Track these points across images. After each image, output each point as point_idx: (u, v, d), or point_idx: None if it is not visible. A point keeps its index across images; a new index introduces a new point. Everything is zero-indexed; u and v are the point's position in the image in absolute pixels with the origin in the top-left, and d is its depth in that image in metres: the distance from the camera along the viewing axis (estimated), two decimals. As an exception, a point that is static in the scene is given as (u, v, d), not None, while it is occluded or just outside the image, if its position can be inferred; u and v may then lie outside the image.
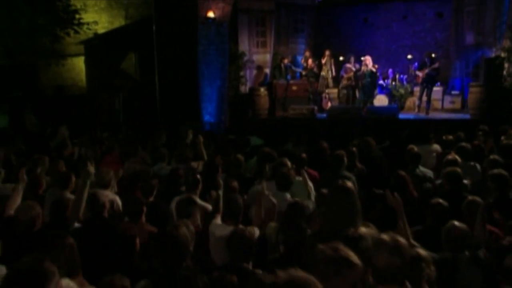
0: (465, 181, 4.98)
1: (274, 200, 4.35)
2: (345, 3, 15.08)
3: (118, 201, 4.69)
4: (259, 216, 4.24)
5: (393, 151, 7.03)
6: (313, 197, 4.78)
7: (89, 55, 16.69)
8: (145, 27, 13.55)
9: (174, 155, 6.71)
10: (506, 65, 11.07)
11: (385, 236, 2.49)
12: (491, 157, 5.50)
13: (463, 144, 6.11)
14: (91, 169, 4.36)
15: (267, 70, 13.97)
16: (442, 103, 12.98)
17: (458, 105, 12.76)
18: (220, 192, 4.80)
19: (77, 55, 17.11)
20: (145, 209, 4.21)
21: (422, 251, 2.88)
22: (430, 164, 6.16)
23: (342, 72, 13.10)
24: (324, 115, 12.40)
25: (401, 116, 11.79)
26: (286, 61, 13.55)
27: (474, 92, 11.15)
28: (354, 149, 6.31)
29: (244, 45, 13.51)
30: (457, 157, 5.51)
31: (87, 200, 4.13)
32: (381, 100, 12.95)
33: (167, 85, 12.74)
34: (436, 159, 6.14)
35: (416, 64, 13.09)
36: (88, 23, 15.65)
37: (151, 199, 4.82)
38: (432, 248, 3.24)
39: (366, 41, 14.99)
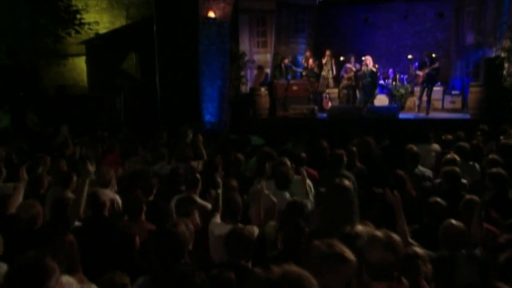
0: (464, 181, 5.01)
1: (274, 199, 4.37)
2: (346, 3, 15.04)
3: (118, 200, 4.72)
4: (258, 215, 4.26)
5: (393, 151, 7.04)
6: (311, 196, 4.80)
7: (90, 55, 16.74)
8: (146, 27, 13.58)
9: (174, 154, 6.74)
10: (506, 65, 11.09)
11: (379, 233, 2.50)
12: (490, 156, 5.51)
13: (462, 143, 6.13)
14: (91, 168, 4.40)
15: (268, 70, 13.98)
16: (442, 103, 13.00)
17: (458, 105, 12.78)
18: (220, 191, 4.81)
19: (79, 55, 17.17)
20: (144, 207, 4.23)
21: (418, 249, 2.91)
22: (429, 164, 6.17)
23: (342, 72, 13.10)
24: (325, 115, 12.39)
25: (401, 116, 11.79)
26: (286, 61, 13.53)
27: (474, 92, 11.16)
28: (354, 148, 6.32)
29: (244, 45, 13.52)
30: (456, 156, 5.54)
31: (87, 198, 4.18)
32: (381, 100, 12.96)
33: (168, 85, 12.76)
34: (435, 159, 6.15)
35: (416, 64, 13.07)
36: (89, 23, 15.71)
37: (151, 198, 4.84)
38: (429, 247, 3.26)
39: (367, 41, 14.97)
